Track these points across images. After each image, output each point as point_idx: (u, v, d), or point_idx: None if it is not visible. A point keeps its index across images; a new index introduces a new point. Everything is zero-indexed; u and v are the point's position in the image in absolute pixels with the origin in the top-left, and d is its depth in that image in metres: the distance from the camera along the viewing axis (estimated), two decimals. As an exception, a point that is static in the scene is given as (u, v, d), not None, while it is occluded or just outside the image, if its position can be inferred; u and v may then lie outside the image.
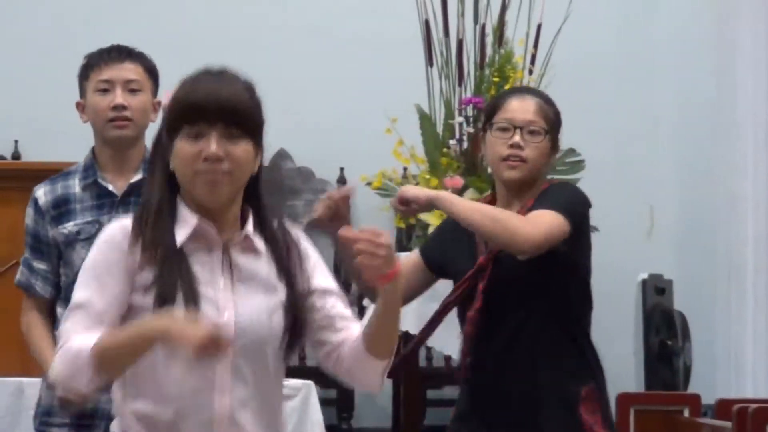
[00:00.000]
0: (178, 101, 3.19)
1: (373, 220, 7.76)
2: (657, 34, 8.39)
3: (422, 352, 7.40)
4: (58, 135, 6.92)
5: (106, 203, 4.14)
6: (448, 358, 7.06)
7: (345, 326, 3.19)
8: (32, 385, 5.56)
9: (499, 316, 4.35)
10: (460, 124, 6.69)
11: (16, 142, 8.28)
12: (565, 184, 4.71)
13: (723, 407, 6.22)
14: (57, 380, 3.12)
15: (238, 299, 3.12)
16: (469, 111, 6.64)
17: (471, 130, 6.66)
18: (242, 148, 3.07)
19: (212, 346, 2.92)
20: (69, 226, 4.18)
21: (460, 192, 6.33)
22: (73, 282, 3.82)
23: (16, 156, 7.88)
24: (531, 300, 4.42)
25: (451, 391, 6.69)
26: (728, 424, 5.88)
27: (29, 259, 4.22)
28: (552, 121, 4.41)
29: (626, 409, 6.65)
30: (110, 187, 4.11)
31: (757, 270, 7.10)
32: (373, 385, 3.26)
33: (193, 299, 3.10)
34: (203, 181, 3.09)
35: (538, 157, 4.30)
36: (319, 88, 7.49)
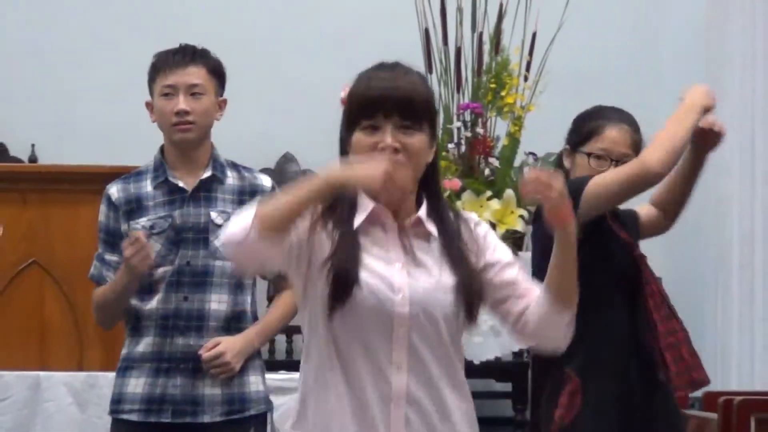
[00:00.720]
0: (356, 96, 3.21)
1: None
2: (650, 40, 8.31)
3: None
4: (74, 138, 6.92)
5: (177, 199, 4.19)
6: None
7: (526, 292, 3.19)
8: (49, 379, 5.77)
9: None
10: (458, 129, 6.73)
11: (33, 145, 8.27)
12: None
13: (709, 399, 6.15)
14: (224, 241, 3.15)
15: (413, 280, 3.12)
16: (467, 116, 6.67)
17: (468, 134, 6.70)
18: (417, 139, 3.09)
19: (390, 181, 2.98)
20: (142, 221, 4.22)
21: (457, 193, 6.31)
22: (146, 274, 4.01)
23: (33, 159, 7.93)
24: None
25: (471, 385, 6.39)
26: (714, 415, 5.80)
27: (102, 253, 4.25)
28: (639, 148, 4.39)
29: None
30: (180, 184, 4.15)
31: (742, 267, 7.09)
32: (560, 340, 3.25)
33: (355, 267, 3.14)
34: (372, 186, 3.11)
35: None
36: (322, 92, 7.38)
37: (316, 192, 3.13)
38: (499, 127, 6.91)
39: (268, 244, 3.07)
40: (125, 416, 4.13)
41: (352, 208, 3.19)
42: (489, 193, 6.27)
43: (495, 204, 6.41)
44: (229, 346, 4.15)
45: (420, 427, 3.17)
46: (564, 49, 7.07)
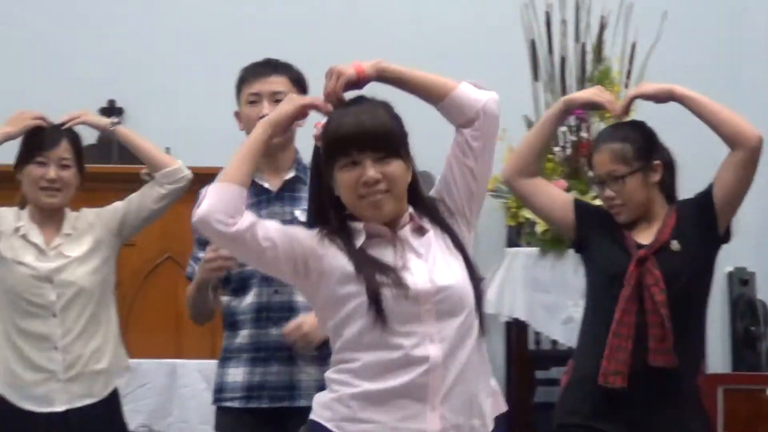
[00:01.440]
0: (329, 136, 3.33)
1: (485, 220, 8.48)
2: (747, 48, 8.17)
3: (531, 336, 7.26)
4: (207, 142, 7.01)
5: (263, 199, 4.26)
6: (554, 342, 6.97)
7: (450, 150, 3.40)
8: (184, 366, 5.96)
9: (679, 310, 4.28)
10: (564, 133, 6.68)
11: (168, 149, 8.17)
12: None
13: None
14: (195, 219, 3.29)
15: (430, 268, 3.27)
16: (572, 121, 6.60)
17: (573, 138, 6.70)
18: (394, 166, 3.21)
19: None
20: None
21: (563, 193, 6.13)
22: (237, 272, 4.11)
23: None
24: (689, 293, 4.44)
25: (557, 372, 6.53)
26: None
27: (195, 252, 4.30)
28: (627, 151, 4.45)
29: (714, 389, 6.64)
30: (266, 185, 4.23)
31: None
32: (482, 98, 3.39)
33: (391, 275, 3.28)
34: (367, 204, 3.23)
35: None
36: (423, 103, 7.38)
37: (261, 139, 3.38)
38: (602, 132, 6.96)
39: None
40: (227, 404, 4.19)
41: (349, 234, 3.37)
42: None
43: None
44: (307, 319, 4.14)
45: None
46: (662, 57, 6.90)
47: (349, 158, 3.23)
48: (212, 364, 5.33)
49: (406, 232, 3.36)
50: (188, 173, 4.98)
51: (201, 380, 5.83)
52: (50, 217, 4.80)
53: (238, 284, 4.26)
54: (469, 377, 3.39)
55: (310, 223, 3.49)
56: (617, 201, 4.37)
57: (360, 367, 3.36)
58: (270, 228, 3.35)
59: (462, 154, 3.39)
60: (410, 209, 3.36)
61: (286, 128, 3.57)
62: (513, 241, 7.13)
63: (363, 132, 3.26)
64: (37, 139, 4.79)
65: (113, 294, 4.95)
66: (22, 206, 4.80)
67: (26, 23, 8.53)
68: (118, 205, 4.93)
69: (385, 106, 3.36)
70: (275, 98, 4.15)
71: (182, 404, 5.99)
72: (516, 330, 7.09)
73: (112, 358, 4.87)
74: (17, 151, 4.74)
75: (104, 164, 6.72)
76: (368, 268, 3.31)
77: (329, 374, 3.45)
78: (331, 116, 3.35)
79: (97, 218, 4.93)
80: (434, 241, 3.40)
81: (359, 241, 3.32)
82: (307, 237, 3.35)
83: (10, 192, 4.99)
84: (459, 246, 3.41)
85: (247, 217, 3.32)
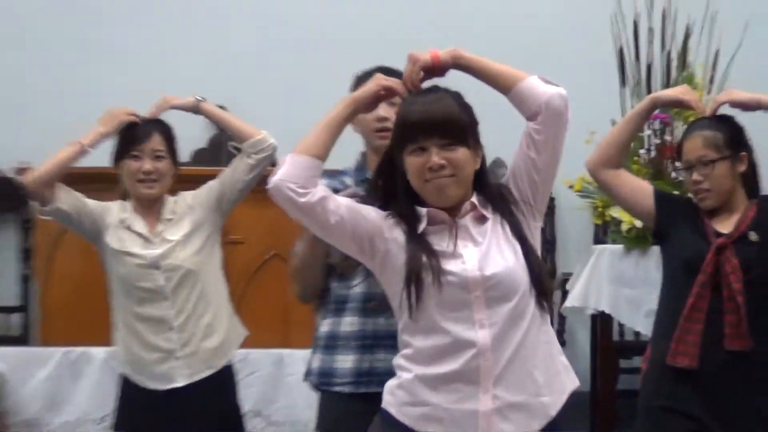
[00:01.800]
0: (399, 123, 3.41)
1: (574, 218, 8.22)
2: None
3: (615, 327, 7.29)
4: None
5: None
6: (637, 333, 7.11)
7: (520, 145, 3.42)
8: (291, 356, 6.05)
9: (749, 300, 4.31)
10: (648, 136, 6.66)
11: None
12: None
13: None
14: (270, 186, 3.37)
15: (482, 256, 3.33)
16: (656, 125, 6.59)
17: (657, 141, 6.65)
18: (460, 152, 3.26)
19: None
20: None
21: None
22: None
23: (273, 163, 7.83)
24: None
25: (638, 361, 6.19)
26: None
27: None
28: (721, 140, 4.51)
29: None
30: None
31: None
32: (548, 92, 3.41)
33: (432, 262, 3.35)
34: (432, 188, 3.29)
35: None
36: None
37: (341, 114, 3.49)
38: (685, 135, 6.96)
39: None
40: (337, 389, 4.17)
41: (414, 218, 3.42)
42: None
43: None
44: None
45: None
46: (744, 65, 6.89)
47: (417, 144, 3.29)
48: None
49: (466, 220, 3.39)
50: (273, 142, 5.03)
51: (307, 369, 5.74)
52: (150, 206, 4.89)
53: (347, 274, 4.31)
54: (525, 356, 3.43)
55: (380, 204, 3.54)
56: (704, 185, 4.40)
57: (414, 353, 3.45)
58: (341, 204, 3.39)
59: (526, 146, 3.40)
60: (474, 196, 3.40)
61: (367, 106, 3.59)
62: (599, 238, 7.31)
63: (430, 120, 3.32)
64: (131, 135, 4.87)
65: (221, 269, 5.06)
66: (123, 198, 4.92)
67: (125, 24, 8.64)
68: (212, 184, 5.02)
69: (455, 96, 3.41)
70: (391, 101, 3.99)
71: (288, 392, 6.09)
72: (601, 322, 7.10)
73: (226, 331, 5.01)
74: (113, 148, 4.84)
75: (215, 167, 6.63)
76: (415, 253, 3.38)
77: (395, 360, 3.55)
78: (404, 102, 3.44)
79: (194, 200, 5.01)
80: (492, 228, 3.42)
81: (421, 226, 3.38)
82: (376, 218, 3.40)
83: (106, 192, 5.14)
84: (518, 233, 3.44)
85: (320, 190, 3.35)
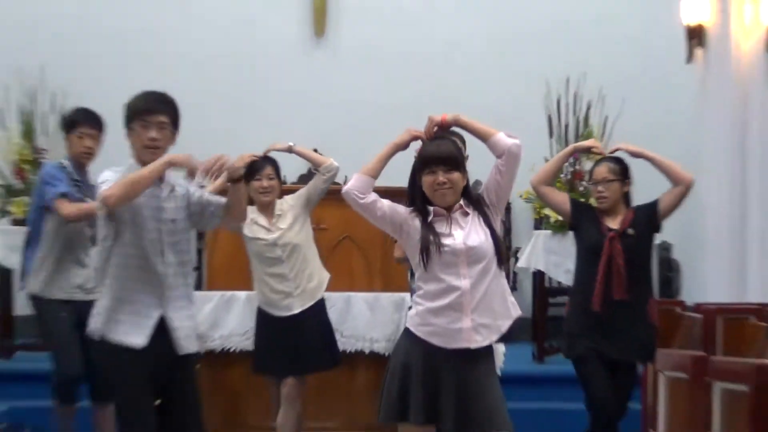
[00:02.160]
0: (420, 156, 4.35)
1: (522, 215, 9.95)
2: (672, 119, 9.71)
3: (546, 279, 8.91)
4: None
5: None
6: (559, 283, 8.70)
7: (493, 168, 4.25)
8: (354, 296, 6.84)
9: (629, 270, 5.58)
10: (566, 167, 8.20)
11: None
12: None
13: (699, 307, 6.94)
14: (343, 191, 4.32)
15: (464, 233, 4.29)
16: (571, 160, 8.10)
17: (572, 169, 8.33)
18: (455, 175, 4.27)
19: None
20: None
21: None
22: None
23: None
24: (640, 257, 5.74)
25: (561, 300, 8.15)
26: (699, 316, 6.66)
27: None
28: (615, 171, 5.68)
29: (714, 318, 6.72)
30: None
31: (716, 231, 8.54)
32: (509, 143, 4.28)
33: (433, 239, 4.27)
34: (437, 195, 4.28)
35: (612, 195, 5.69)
36: None
37: (389, 153, 4.35)
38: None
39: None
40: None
41: (426, 213, 4.30)
42: (582, 200, 7.15)
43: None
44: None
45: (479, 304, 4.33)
46: (621, 126, 8.64)
47: (430, 169, 4.23)
48: (367, 296, 6.83)
49: (456, 214, 4.29)
50: (337, 165, 6.12)
51: (366, 308, 6.90)
52: (267, 208, 6.09)
53: None
54: (489, 296, 4.35)
55: (408, 204, 4.43)
56: (605, 194, 5.67)
57: (424, 293, 4.35)
58: (384, 203, 4.31)
59: (495, 174, 4.33)
60: (462, 201, 4.27)
61: (403, 149, 4.44)
62: (537, 227, 9.04)
63: (438, 155, 4.27)
64: (253, 166, 5.93)
65: (313, 241, 6.20)
66: (250, 204, 5.85)
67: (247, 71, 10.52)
68: (302, 192, 6.16)
69: (453, 141, 4.40)
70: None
71: (353, 317, 6.98)
72: (539, 276, 9.03)
73: (319, 277, 6.20)
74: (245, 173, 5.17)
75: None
76: (426, 234, 4.26)
77: (414, 298, 4.51)
78: (424, 144, 4.38)
79: (293, 201, 6.17)
80: (472, 220, 4.33)
81: (430, 218, 4.26)
82: (404, 211, 4.32)
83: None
84: (488, 224, 4.36)
85: (372, 196, 4.29)
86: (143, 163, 4.64)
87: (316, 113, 10.47)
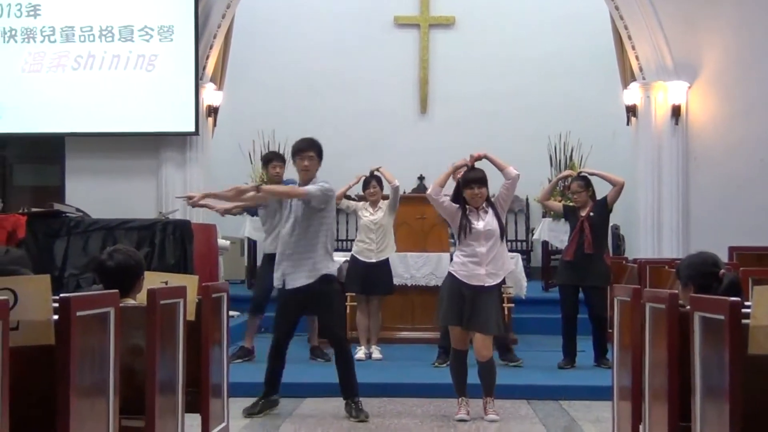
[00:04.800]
0: (463, 178, 6.18)
1: (537, 212, 13.84)
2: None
3: (551, 246, 12.33)
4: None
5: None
6: (557, 247, 11.82)
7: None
8: (414, 254, 9.77)
9: (592, 237, 8.16)
10: (561, 184, 10.32)
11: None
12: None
13: (637, 262, 8.99)
14: (426, 194, 6.27)
15: (484, 222, 6.15)
16: (564, 182, 10.10)
17: (563, 184, 10.64)
18: (484, 190, 6.13)
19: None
20: None
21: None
22: None
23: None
24: (599, 229, 8.31)
25: (557, 257, 10.96)
26: (635, 265, 8.74)
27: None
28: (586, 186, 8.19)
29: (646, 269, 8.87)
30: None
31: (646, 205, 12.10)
32: (513, 173, 6.11)
33: (468, 224, 6.12)
34: (473, 200, 6.19)
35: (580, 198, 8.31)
36: None
37: (449, 173, 6.05)
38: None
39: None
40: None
41: (465, 209, 6.08)
42: (568, 203, 9.05)
43: (568, 204, 9.05)
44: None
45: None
46: (592, 160, 12.14)
47: (470, 185, 6.09)
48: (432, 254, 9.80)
49: (480, 211, 6.09)
50: (398, 185, 8.47)
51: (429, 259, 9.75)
52: (374, 205, 8.73)
53: None
54: (496, 257, 6.24)
55: (454, 202, 6.26)
56: (577, 198, 8.24)
57: (461, 252, 6.27)
58: (447, 201, 6.13)
59: (504, 189, 6.16)
60: (484, 203, 6.07)
61: (456, 173, 6.30)
62: (544, 216, 12.51)
63: (474, 179, 6.11)
64: (366, 181, 8.58)
65: (393, 226, 8.72)
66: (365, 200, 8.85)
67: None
68: (389, 202, 8.58)
69: (482, 171, 6.15)
70: None
71: (408, 268, 9.65)
72: (546, 244, 12.59)
73: (393, 246, 8.84)
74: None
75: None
76: (464, 221, 6.09)
77: (455, 254, 6.38)
78: (467, 171, 6.20)
79: (384, 205, 8.69)
80: (489, 214, 6.10)
81: (467, 211, 6.10)
82: (454, 207, 6.22)
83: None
84: (497, 217, 6.13)
85: (443, 197, 6.06)
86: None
87: (414, 160, 14.53)
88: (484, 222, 6.30)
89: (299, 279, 6.55)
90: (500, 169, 6.38)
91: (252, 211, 9.05)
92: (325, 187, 6.48)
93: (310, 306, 6.73)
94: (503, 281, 6.49)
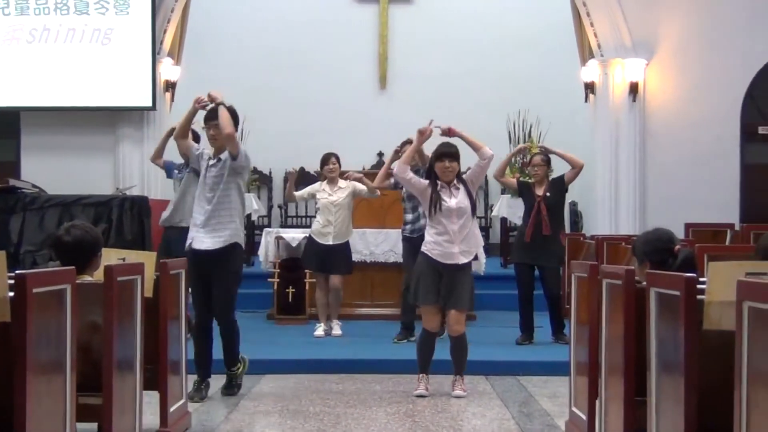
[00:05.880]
0: (435, 152, 6.25)
1: (495, 189, 13.87)
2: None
3: (508, 222, 12.53)
4: None
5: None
6: (515, 224, 11.84)
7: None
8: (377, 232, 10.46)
9: (549, 218, 8.28)
10: (517, 160, 11.86)
11: None
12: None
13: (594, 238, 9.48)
14: (393, 172, 6.44)
15: (456, 200, 6.22)
16: (520, 156, 11.36)
17: (520, 160, 12.06)
18: (455, 164, 6.18)
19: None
20: None
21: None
22: None
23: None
24: (556, 209, 8.43)
25: (514, 234, 10.95)
26: (593, 242, 9.19)
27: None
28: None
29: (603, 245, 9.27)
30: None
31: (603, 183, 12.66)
32: (488, 153, 6.18)
33: (438, 200, 6.16)
34: (444, 175, 6.20)
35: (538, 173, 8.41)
36: None
37: (415, 149, 6.40)
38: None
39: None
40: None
41: (436, 185, 6.09)
42: (524, 179, 9.54)
43: (523, 180, 9.24)
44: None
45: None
46: (549, 139, 12.52)
47: (441, 159, 6.16)
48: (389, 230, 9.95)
49: (452, 186, 6.18)
50: (367, 188, 8.70)
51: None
52: (333, 183, 8.79)
53: None
54: (468, 235, 6.32)
55: (426, 178, 6.37)
56: (537, 173, 8.33)
57: (431, 229, 6.34)
58: (415, 177, 6.21)
59: (476, 168, 6.28)
60: (456, 180, 6.15)
61: (424, 142, 6.52)
62: (503, 193, 12.69)
63: (447, 151, 6.23)
64: (324, 156, 8.75)
65: (351, 209, 8.84)
66: (323, 180, 8.79)
67: None
68: (353, 183, 8.76)
69: (455, 146, 6.25)
70: None
71: (378, 243, 9.98)
72: (505, 220, 12.70)
73: (349, 226, 8.85)
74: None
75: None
76: (435, 196, 6.17)
77: (425, 234, 6.43)
78: (440, 145, 6.25)
79: (345, 185, 8.77)
80: (460, 191, 6.18)
81: (438, 187, 6.17)
82: (424, 183, 6.28)
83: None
84: (469, 194, 6.23)
85: (409, 174, 6.11)
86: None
87: (374, 136, 14.76)
88: (457, 200, 6.34)
89: (207, 242, 6.39)
90: (475, 148, 6.40)
91: (170, 173, 8.69)
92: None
93: (213, 272, 6.38)
94: (475, 257, 6.58)
